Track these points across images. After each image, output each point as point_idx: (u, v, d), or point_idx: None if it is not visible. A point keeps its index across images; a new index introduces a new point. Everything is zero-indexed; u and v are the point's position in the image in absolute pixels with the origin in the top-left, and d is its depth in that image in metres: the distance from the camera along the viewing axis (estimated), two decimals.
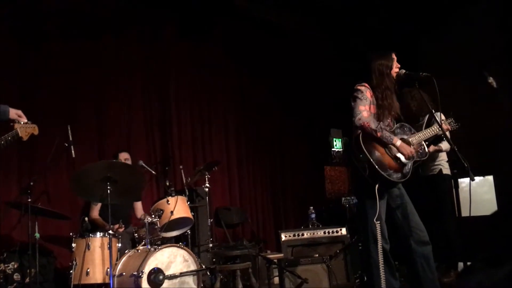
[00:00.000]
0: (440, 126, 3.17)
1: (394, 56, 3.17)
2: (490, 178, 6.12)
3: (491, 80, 3.75)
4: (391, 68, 3.12)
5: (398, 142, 3.01)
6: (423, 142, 3.17)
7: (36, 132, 3.24)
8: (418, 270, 3.01)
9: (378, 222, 2.92)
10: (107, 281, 3.69)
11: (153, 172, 4.86)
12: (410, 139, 3.10)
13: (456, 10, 6.31)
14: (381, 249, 2.93)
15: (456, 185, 2.65)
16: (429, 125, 3.90)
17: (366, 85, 3.08)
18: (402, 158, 2.98)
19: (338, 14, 6.62)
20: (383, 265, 2.92)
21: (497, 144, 4.25)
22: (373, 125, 2.96)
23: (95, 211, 4.51)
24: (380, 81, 3.07)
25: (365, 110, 2.98)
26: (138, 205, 4.81)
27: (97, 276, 3.73)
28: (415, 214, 3.10)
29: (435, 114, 4.40)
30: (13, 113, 3.15)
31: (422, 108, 4.17)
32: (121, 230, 4.34)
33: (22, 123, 3.16)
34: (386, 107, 3.05)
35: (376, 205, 2.92)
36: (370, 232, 2.97)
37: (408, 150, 3.02)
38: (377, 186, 2.89)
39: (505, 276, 1.31)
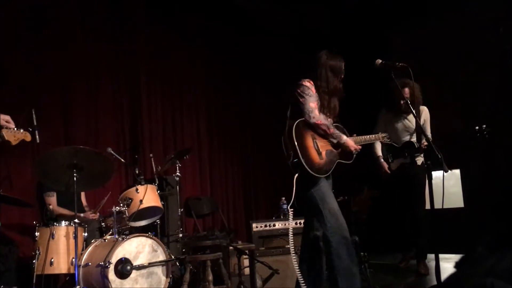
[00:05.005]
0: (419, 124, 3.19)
1: (343, 66, 3.21)
2: (457, 171, 6.27)
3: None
4: (340, 77, 3.18)
5: (344, 139, 3.11)
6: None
7: (28, 138, 3.24)
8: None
9: (292, 210, 2.99)
10: (72, 271, 3.58)
11: (122, 159, 4.73)
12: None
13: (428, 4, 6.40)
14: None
15: (430, 177, 2.66)
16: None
17: (311, 82, 3.12)
18: (326, 154, 3.06)
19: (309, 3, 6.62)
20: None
21: (464, 137, 4.36)
22: (324, 120, 3.05)
23: (54, 202, 4.31)
24: (326, 83, 3.12)
25: (315, 107, 3.05)
26: (82, 195, 4.64)
27: (61, 266, 3.60)
28: None
29: (422, 108, 4.48)
30: (1, 119, 3.14)
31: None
32: (95, 216, 4.24)
33: (10, 129, 3.15)
34: (326, 107, 3.13)
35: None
36: (328, 222, 2.99)
37: (353, 145, 3.14)
38: (296, 176, 2.96)
39: None
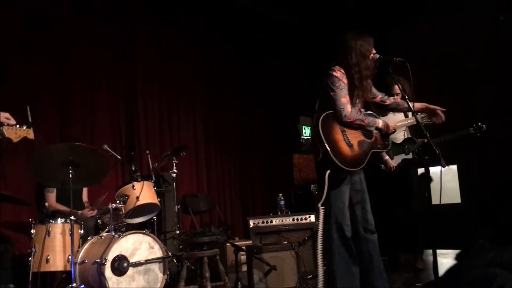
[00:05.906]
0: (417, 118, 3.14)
1: (372, 43, 3.08)
2: (454, 167, 6.28)
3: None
4: (371, 52, 3.03)
5: (381, 124, 3.01)
6: None
7: (30, 136, 3.19)
8: (365, 256, 3.00)
9: (323, 207, 2.89)
10: (68, 268, 3.56)
11: (118, 156, 4.70)
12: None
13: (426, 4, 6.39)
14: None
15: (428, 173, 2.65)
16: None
17: (342, 70, 2.97)
18: (359, 146, 2.95)
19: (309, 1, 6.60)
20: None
21: (461, 133, 4.34)
22: (356, 115, 2.93)
23: (52, 199, 4.29)
24: (361, 61, 2.97)
25: (347, 102, 2.91)
26: (84, 191, 4.64)
27: (57, 263, 3.59)
28: (367, 203, 3.08)
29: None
30: (1, 116, 3.11)
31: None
32: (93, 213, 4.23)
33: (11, 125, 3.11)
34: (361, 89, 2.98)
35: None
36: (334, 218, 2.94)
37: (391, 125, 3.05)
38: (328, 172, 2.84)
39: None
